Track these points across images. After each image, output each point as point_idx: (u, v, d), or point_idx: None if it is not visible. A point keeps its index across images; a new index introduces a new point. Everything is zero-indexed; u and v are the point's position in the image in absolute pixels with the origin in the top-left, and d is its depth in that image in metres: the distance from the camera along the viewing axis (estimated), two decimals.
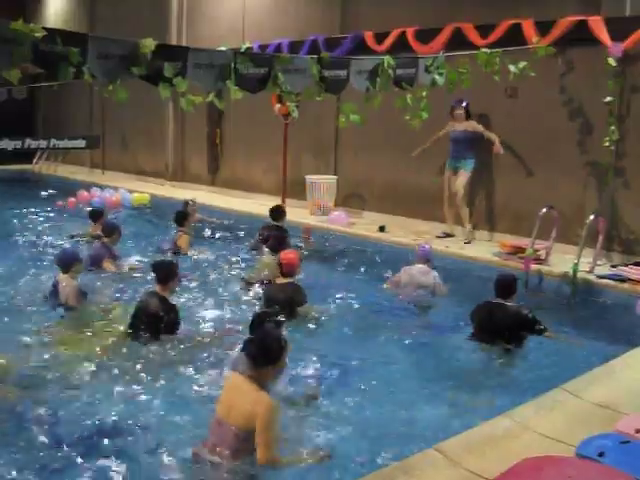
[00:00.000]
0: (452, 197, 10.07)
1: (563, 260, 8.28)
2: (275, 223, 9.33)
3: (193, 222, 10.56)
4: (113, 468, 3.88)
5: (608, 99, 8.60)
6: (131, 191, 14.13)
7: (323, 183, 11.96)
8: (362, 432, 4.42)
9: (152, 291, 5.93)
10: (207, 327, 6.23)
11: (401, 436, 4.34)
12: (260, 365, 3.82)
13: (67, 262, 6.62)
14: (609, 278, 7.76)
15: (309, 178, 12.04)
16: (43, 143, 16.30)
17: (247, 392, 3.77)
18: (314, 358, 5.56)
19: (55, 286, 6.63)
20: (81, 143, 16.65)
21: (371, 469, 3.71)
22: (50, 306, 6.59)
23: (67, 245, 9.13)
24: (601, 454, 3.44)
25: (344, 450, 4.16)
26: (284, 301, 6.27)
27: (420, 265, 7.38)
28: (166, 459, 3.97)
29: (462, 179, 9.94)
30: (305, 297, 6.51)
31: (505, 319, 5.85)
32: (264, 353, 3.84)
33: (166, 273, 5.87)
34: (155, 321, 5.66)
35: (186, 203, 10.57)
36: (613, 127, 8.60)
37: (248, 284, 7.47)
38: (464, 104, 9.88)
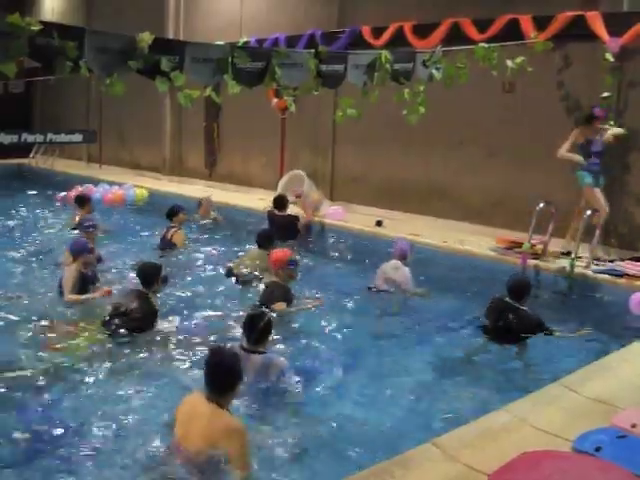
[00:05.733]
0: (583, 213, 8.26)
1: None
2: (279, 213, 9.53)
3: (207, 219, 10.49)
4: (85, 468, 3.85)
5: (606, 94, 8.59)
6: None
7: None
8: (359, 426, 4.43)
9: (136, 290, 5.89)
10: (195, 325, 6.14)
11: (398, 430, 4.35)
12: (221, 392, 3.67)
13: (74, 252, 6.68)
14: (606, 273, 7.76)
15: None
16: (40, 137, 16.19)
17: (211, 418, 3.57)
18: (310, 352, 5.56)
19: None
20: (78, 137, 16.54)
21: (369, 463, 3.72)
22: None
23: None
24: (598, 449, 3.46)
25: (341, 444, 4.18)
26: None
27: (394, 261, 7.29)
28: (143, 459, 3.90)
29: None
30: (285, 296, 6.33)
31: (517, 324, 5.75)
32: (224, 381, 3.69)
33: (148, 276, 5.85)
34: (133, 321, 5.62)
35: (199, 202, 10.52)
36: (611, 122, 8.60)
37: (244, 282, 7.43)
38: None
